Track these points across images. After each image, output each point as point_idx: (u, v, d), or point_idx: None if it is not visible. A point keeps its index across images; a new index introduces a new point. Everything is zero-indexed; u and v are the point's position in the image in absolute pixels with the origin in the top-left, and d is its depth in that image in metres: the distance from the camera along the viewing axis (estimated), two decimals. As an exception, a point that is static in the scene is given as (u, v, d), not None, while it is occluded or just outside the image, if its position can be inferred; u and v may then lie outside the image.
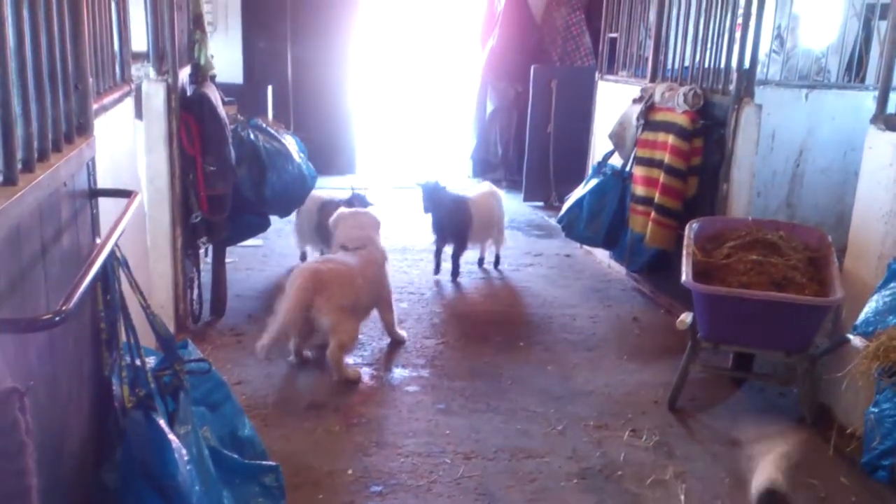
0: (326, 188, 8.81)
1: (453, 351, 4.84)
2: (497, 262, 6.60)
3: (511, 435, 3.86)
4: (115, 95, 3.44)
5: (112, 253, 2.41)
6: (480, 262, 6.63)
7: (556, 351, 4.90)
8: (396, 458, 3.59)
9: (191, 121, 4.61)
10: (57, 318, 1.55)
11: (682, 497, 3.36)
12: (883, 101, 3.77)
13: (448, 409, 4.09)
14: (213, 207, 4.72)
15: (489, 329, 5.20)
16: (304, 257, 6.46)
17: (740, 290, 3.81)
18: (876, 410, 2.90)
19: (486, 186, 6.61)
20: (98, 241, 2.50)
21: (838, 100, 6.24)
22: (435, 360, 4.68)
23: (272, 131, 5.46)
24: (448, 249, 6.24)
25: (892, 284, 3.19)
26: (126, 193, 2.58)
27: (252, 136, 5.20)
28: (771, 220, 4.49)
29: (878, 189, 3.70)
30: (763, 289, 3.82)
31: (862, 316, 3.21)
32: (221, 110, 4.83)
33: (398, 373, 4.49)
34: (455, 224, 6.09)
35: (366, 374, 4.46)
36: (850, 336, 3.19)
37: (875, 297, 3.23)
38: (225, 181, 4.73)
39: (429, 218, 6.18)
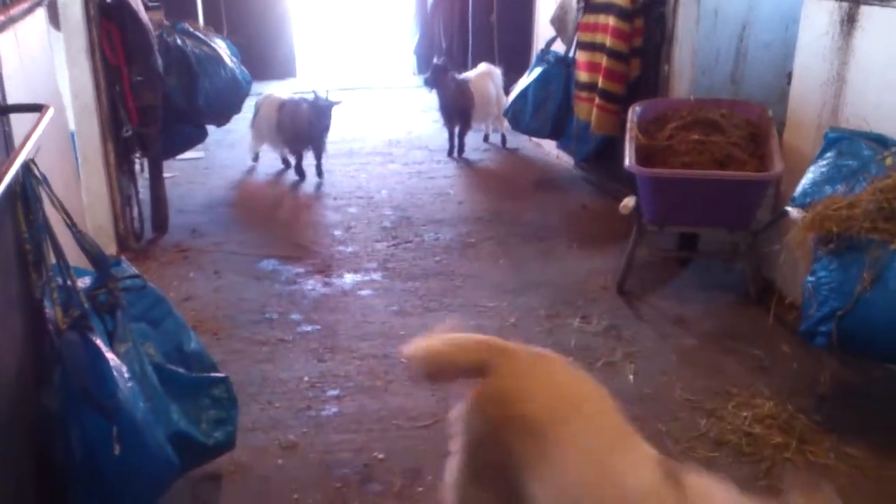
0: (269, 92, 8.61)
1: (405, 252, 4.82)
2: (504, 140, 7.00)
3: (465, 331, 3.88)
4: (25, 6, 3.22)
5: (29, 171, 2.30)
6: (486, 138, 7.17)
7: (506, 245, 4.91)
8: (352, 361, 3.61)
9: (112, 29, 4.39)
10: (-43, 242, 1.46)
11: (632, 376, 3.46)
12: (819, -33, 3.69)
13: (401, 310, 4.10)
14: (143, 119, 4.55)
15: (439, 228, 5.18)
16: (256, 158, 6.49)
17: (681, 170, 3.82)
18: (813, 279, 2.95)
19: (482, 66, 6.90)
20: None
21: (780, -29, 6.11)
22: (387, 263, 4.66)
23: (201, 36, 5.22)
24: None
25: (828, 154, 3.21)
26: (37, 108, 2.43)
27: (179, 42, 4.98)
28: (713, 99, 4.46)
29: (815, 59, 3.67)
30: (705, 168, 3.84)
31: (799, 188, 3.24)
32: (144, 16, 4.59)
33: (349, 278, 4.47)
34: (459, 105, 6.53)
35: (317, 281, 4.43)
36: (789, 208, 3.22)
37: (812, 167, 3.25)
38: (153, 91, 4.54)
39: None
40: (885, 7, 3.30)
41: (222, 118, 5.48)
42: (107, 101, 4.41)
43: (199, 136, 5.45)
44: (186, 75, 4.90)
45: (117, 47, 4.40)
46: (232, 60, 5.25)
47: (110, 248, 4.45)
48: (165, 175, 5.17)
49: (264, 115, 6.12)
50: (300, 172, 6.18)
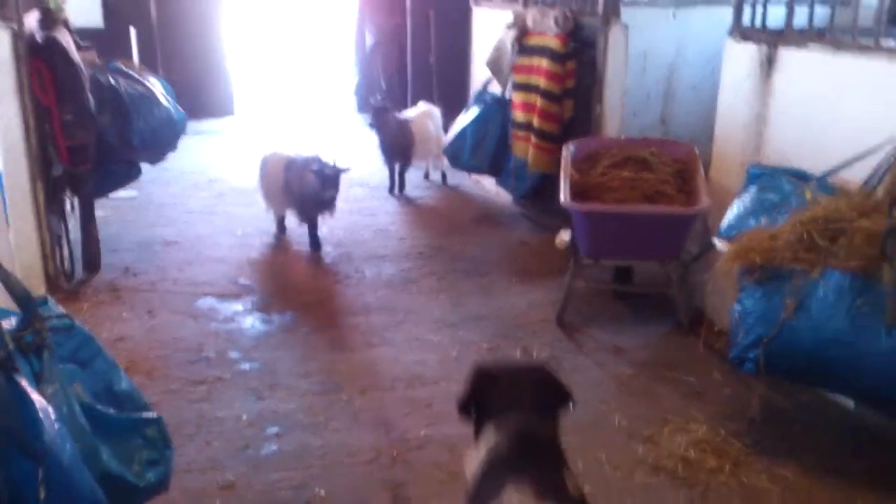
0: (206, 132, 8.56)
1: (346, 288, 4.81)
2: (444, 178, 7.08)
3: (407, 365, 3.89)
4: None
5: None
6: (426, 175, 7.23)
7: (448, 280, 4.94)
8: (292, 399, 3.56)
9: (42, 68, 4.33)
10: None
11: (572, 405, 3.49)
12: (738, 12, 3.88)
13: (343, 346, 4.08)
14: (74, 159, 4.47)
15: (381, 264, 5.19)
16: (282, 229, 5.74)
17: (614, 206, 3.93)
18: (739, 308, 3.06)
19: (422, 107, 6.96)
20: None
21: (705, 16, 6.36)
22: (327, 300, 4.64)
23: (134, 74, 5.16)
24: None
25: (751, 188, 3.35)
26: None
27: (112, 81, 4.90)
28: (642, 138, 4.62)
29: (738, 100, 3.84)
30: (636, 203, 3.96)
31: (725, 221, 3.37)
32: (76, 55, 4.53)
33: (290, 315, 4.43)
34: (400, 144, 6.62)
35: (256, 318, 4.37)
36: (715, 240, 3.34)
37: (736, 202, 3.38)
38: (85, 130, 4.47)
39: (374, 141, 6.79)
40: (801, 50, 3.49)
41: (157, 156, 5.40)
42: (36, 140, 4.33)
43: (131, 174, 5.35)
44: (120, 114, 4.83)
45: (48, 87, 4.35)
46: (166, 99, 5.21)
47: (40, 289, 4.32)
48: (97, 214, 5.06)
49: (270, 173, 5.53)
50: (315, 243, 5.45)
